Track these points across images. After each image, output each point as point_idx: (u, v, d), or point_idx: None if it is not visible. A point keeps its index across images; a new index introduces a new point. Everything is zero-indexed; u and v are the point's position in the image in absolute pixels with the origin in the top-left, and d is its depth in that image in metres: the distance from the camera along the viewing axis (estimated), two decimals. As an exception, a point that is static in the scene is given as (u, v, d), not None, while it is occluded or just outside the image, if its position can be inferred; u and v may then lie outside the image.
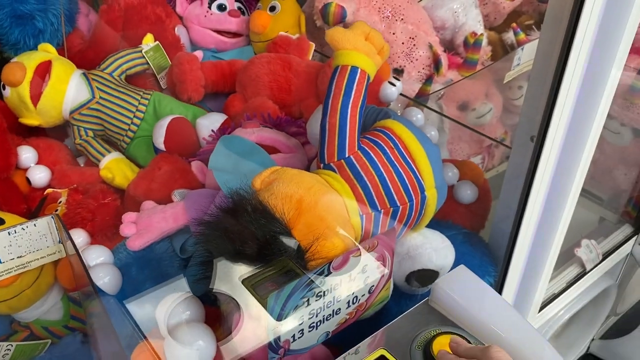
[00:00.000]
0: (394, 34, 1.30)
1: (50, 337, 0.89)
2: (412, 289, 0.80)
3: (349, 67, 0.72)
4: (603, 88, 0.80)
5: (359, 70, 0.72)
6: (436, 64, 1.32)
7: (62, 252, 0.82)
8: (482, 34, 1.36)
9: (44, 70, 0.99)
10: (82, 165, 1.07)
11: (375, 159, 0.71)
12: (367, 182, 0.70)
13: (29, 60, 0.98)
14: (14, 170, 0.97)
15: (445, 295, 0.70)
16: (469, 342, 0.64)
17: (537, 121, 0.78)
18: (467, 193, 0.96)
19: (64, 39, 1.10)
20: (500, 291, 0.95)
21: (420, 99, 1.24)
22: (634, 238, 1.33)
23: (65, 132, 1.10)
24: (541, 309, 1.12)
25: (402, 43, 1.30)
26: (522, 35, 1.41)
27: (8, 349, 0.84)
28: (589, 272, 1.23)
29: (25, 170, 0.98)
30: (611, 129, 1.30)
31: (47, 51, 1.03)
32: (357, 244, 0.66)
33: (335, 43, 0.72)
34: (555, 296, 1.17)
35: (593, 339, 1.54)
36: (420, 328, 0.68)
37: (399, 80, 1.06)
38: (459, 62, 1.38)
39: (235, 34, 1.28)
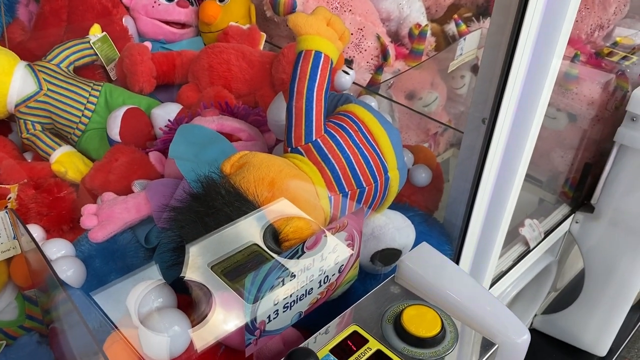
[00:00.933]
0: (342, 24, 1.32)
1: (4, 338, 0.86)
2: (376, 269, 0.82)
3: (313, 52, 0.73)
4: (546, 73, 0.85)
5: (323, 55, 0.73)
6: (384, 54, 1.35)
7: (17, 248, 0.79)
8: (426, 25, 1.40)
9: (-16, 62, 0.95)
10: (29, 160, 1.02)
11: (342, 142, 0.73)
12: (335, 165, 0.72)
13: (-31, 52, 0.94)
14: (-43, 166, 0.92)
15: (410, 271, 0.72)
16: (438, 315, 0.67)
17: (488, 104, 0.82)
18: (422, 176, 0.99)
19: (4, 30, 1.06)
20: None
21: (372, 88, 1.27)
22: (571, 217, 1.42)
23: (9, 126, 1.06)
24: (491, 285, 1.18)
25: (351, 34, 1.33)
26: (463, 27, 1.47)
27: (-40, 353, 0.80)
28: (532, 250, 1.30)
29: (-31, 166, 0.93)
30: (548, 114, 1.38)
31: (-13, 42, 0.99)
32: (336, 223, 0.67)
33: (298, 28, 0.73)
34: (503, 273, 1.23)
35: (536, 315, 1.63)
36: (388, 304, 0.71)
37: (351, 69, 1.09)
38: (405, 53, 1.42)
39: (184, 25, 1.26)
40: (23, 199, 0.86)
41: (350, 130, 0.75)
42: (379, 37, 1.35)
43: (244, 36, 1.18)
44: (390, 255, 0.80)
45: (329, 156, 0.73)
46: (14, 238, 0.78)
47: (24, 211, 0.85)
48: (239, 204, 0.64)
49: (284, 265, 0.61)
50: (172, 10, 1.23)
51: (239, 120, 0.91)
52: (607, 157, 1.34)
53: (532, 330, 1.66)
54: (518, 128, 0.89)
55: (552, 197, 1.46)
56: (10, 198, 0.89)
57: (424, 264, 0.73)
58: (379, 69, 1.29)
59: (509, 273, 1.25)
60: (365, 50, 1.34)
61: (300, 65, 0.73)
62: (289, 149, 0.74)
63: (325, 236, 0.64)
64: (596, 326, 1.53)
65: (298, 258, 0.62)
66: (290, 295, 0.64)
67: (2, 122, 1.03)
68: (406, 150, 1.01)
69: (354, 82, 1.13)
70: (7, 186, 0.92)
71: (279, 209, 0.68)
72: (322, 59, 0.73)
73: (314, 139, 0.73)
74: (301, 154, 0.73)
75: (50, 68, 1.00)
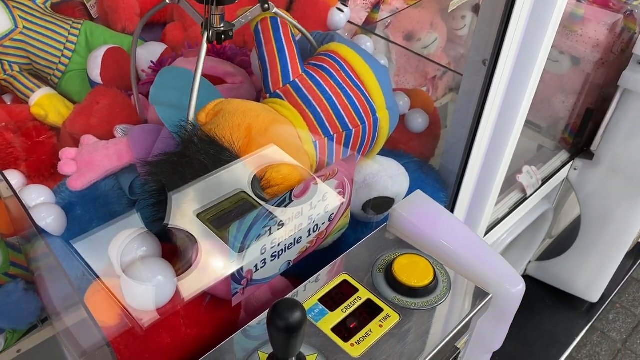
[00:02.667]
0: (338, -41, 1.25)
1: (-11, 285, 0.84)
2: (368, 217, 0.80)
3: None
4: (551, 12, 0.80)
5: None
6: (381, -8, 1.28)
7: (-4, 194, 0.76)
8: (426, -39, 1.33)
9: (-46, -3, 0.89)
10: (8, 103, 0.98)
11: (322, 82, 0.69)
12: (316, 106, 0.68)
13: (-63, -14, 0.88)
14: None
15: (403, 219, 0.70)
16: (430, 265, 0.65)
17: (489, 45, 0.78)
18: (419, 121, 0.95)
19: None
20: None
21: (368, 27, 1.21)
22: (570, 164, 1.39)
23: (-15, 68, 1.01)
24: (486, 233, 1.17)
25: (347, -31, 1.25)
26: (465, -37, 1.39)
27: (-56, 301, 0.79)
28: (529, 197, 1.28)
29: (-57, 110, 0.89)
30: (551, 57, 1.32)
31: (-44, -25, 0.92)
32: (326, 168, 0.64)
33: None
34: (499, 221, 1.21)
35: (530, 261, 1.63)
36: (379, 253, 0.69)
37: (346, 6, 1.03)
38: (403, -9, 1.35)
39: (169, -41, 1.18)
40: (1, 144, 0.82)
41: (331, 70, 0.71)
42: (376, -26, 1.27)
43: (232, -29, 1.11)
44: (382, 204, 0.77)
45: (309, 97, 0.69)
46: (-8, 184, 0.75)
47: (2, 156, 0.81)
48: (215, 152, 0.60)
49: (271, 214, 0.58)
50: (156, -57, 1.15)
51: (225, 62, 0.86)
52: (610, 102, 1.30)
53: (526, 277, 1.67)
54: (520, 70, 0.85)
55: (552, 143, 1.43)
56: (-12, 143, 0.86)
57: (417, 212, 0.71)
58: (375, 7, 1.23)
59: (504, 220, 1.23)
60: (362, -13, 1.27)
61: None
62: (267, 95, 0.70)
63: (315, 184, 0.61)
64: (590, 272, 1.53)
65: (286, 206, 0.59)
66: (278, 244, 0.62)
67: (-22, 62, 0.98)
68: (402, 94, 0.97)
69: (348, 21, 1.08)
70: (-16, 130, 0.88)
71: (267, 155, 0.64)
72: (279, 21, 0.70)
73: (292, 79, 0.69)
74: (280, 97, 0.69)
75: (26, 4, 0.94)
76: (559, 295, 1.61)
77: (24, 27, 0.92)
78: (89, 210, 0.71)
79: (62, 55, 0.95)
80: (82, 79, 0.95)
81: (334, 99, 0.69)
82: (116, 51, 0.89)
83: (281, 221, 0.59)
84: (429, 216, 0.71)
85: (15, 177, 0.79)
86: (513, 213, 1.25)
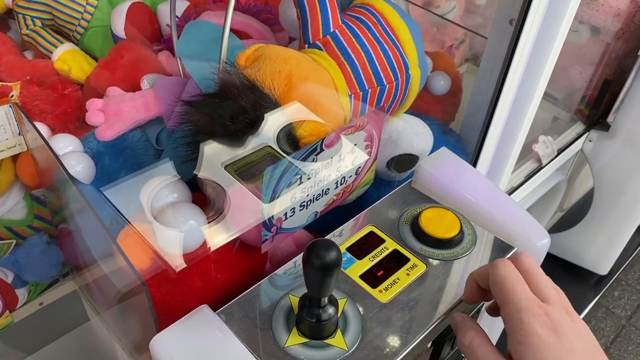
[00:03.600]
0: None
1: (14, 237, 0.85)
2: (391, 176, 0.80)
3: None
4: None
5: None
6: (402, -43, 1.27)
7: (23, 145, 0.77)
8: None
9: (-22, -51, 0.89)
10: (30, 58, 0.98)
11: (361, 35, 0.69)
12: (354, 59, 0.68)
13: (-40, -63, 0.87)
14: (-45, 63, 0.88)
15: (428, 175, 0.70)
16: (457, 218, 0.65)
17: (517, 3, 0.77)
18: (441, 84, 0.95)
19: None
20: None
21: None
22: (585, 135, 1.39)
23: (7, 24, 1.00)
24: (502, 200, 1.17)
25: None
26: None
27: (-29, 250, 0.80)
28: (544, 166, 1.28)
29: (-33, 63, 0.89)
30: (570, 27, 1.32)
31: None
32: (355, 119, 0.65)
33: None
34: (514, 189, 1.22)
35: (540, 234, 1.64)
36: (405, 207, 0.69)
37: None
38: (423, -43, 1.34)
39: None
40: (26, 96, 0.83)
41: (369, 23, 0.71)
42: (396, -62, 1.26)
43: None
44: (407, 161, 0.78)
45: (348, 50, 0.69)
46: (19, 134, 0.75)
47: (27, 109, 0.82)
48: (255, 96, 0.61)
49: (302, 162, 0.59)
50: None
51: (250, 17, 0.86)
52: (628, 73, 1.29)
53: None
54: (546, 32, 0.84)
55: (567, 114, 1.43)
56: (12, 96, 0.86)
57: (443, 168, 0.71)
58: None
59: (519, 189, 1.24)
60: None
61: None
62: (306, 45, 0.70)
63: (346, 134, 0.62)
64: (601, 245, 1.54)
65: (316, 155, 0.59)
66: (307, 194, 0.62)
67: (1, 18, 0.98)
68: (425, 55, 0.97)
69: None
70: (9, 84, 0.88)
71: (294, 110, 0.65)
72: None
73: (331, 30, 0.69)
74: (320, 48, 0.69)
75: (49, -42, 0.94)
76: (568, 267, 1.62)
77: (47, -19, 0.92)
78: (117, 160, 0.71)
79: (85, 11, 0.94)
80: (104, 36, 0.95)
81: (372, 53, 0.69)
82: (140, 6, 0.89)
83: (311, 170, 0.60)
84: (454, 172, 0.71)
85: (41, 129, 0.79)
86: (528, 182, 1.25)
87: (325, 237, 0.54)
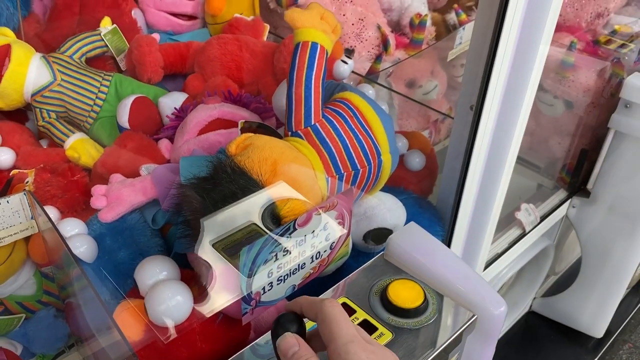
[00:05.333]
0: (344, 15, 1.37)
1: (24, 311, 0.92)
2: (369, 247, 0.87)
3: (310, 43, 0.78)
4: (533, 61, 0.89)
5: (319, 46, 0.79)
6: (385, 43, 1.39)
7: (35, 227, 0.85)
8: (426, 15, 1.44)
9: (3, 54, 1.01)
10: (44, 147, 1.09)
11: (338, 126, 0.78)
12: (332, 148, 0.77)
13: (-13, 44, 1.00)
14: (-22, 153, 0.98)
15: (398, 248, 0.77)
16: (421, 289, 0.72)
17: (475, 91, 0.87)
18: (416, 161, 1.04)
19: (20, 23, 1.11)
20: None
21: (371, 77, 1.31)
22: (568, 201, 1.46)
23: (26, 115, 1.12)
24: (486, 267, 1.23)
25: (352, 24, 1.37)
26: (463, 16, 1.50)
27: (-17, 324, 0.87)
28: (528, 233, 1.34)
29: (-11, 153, 0.99)
30: (545, 101, 1.42)
31: (5, 35, 1.04)
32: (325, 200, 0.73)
33: (294, 22, 0.78)
34: (498, 255, 1.28)
35: (535, 298, 1.67)
36: (376, 279, 0.76)
37: (350, 58, 1.13)
38: (405, 42, 1.46)
39: (190, 17, 1.31)
40: (39, 183, 0.92)
41: (346, 116, 0.80)
42: (379, 27, 1.39)
43: (248, 27, 1.23)
44: (381, 235, 0.85)
45: (327, 140, 0.78)
46: (32, 218, 0.84)
47: (40, 194, 0.91)
48: (244, 182, 0.69)
49: (277, 241, 0.66)
50: (179, 3, 1.28)
51: (241, 107, 0.96)
52: (603, 143, 1.37)
53: (531, 313, 1.70)
54: (506, 115, 0.93)
55: (550, 182, 1.50)
56: (27, 182, 0.96)
57: (411, 241, 0.78)
58: (378, 58, 1.33)
59: (504, 255, 1.29)
60: (366, 40, 1.38)
61: (298, 55, 0.78)
62: (290, 132, 0.79)
63: (317, 214, 0.69)
64: (593, 309, 1.57)
65: (290, 234, 0.67)
66: (284, 269, 0.69)
67: (20, 110, 1.09)
68: (401, 136, 1.06)
69: (353, 71, 1.18)
70: (25, 171, 0.98)
71: (278, 190, 0.73)
72: (318, 49, 0.78)
73: (312, 123, 0.78)
74: (301, 137, 0.78)
75: (64, 59, 1.06)
76: (565, 331, 1.64)
77: (62, 79, 1.04)
78: (117, 240, 0.79)
79: (94, 104, 1.05)
80: (111, 125, 1.05)
81: (347, 142, 0.79)
82: (142, 100, 1.00)
83: (286, 248, 0.67)
84: (421, 245, 0.78)
85: (51, 212, 0.88)
86: (513, 248, 1.31)
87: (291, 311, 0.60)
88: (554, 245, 1.51)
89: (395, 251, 0.78)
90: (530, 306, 1.69)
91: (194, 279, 0.74)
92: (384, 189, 0.90)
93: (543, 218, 1.38)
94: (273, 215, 0.71)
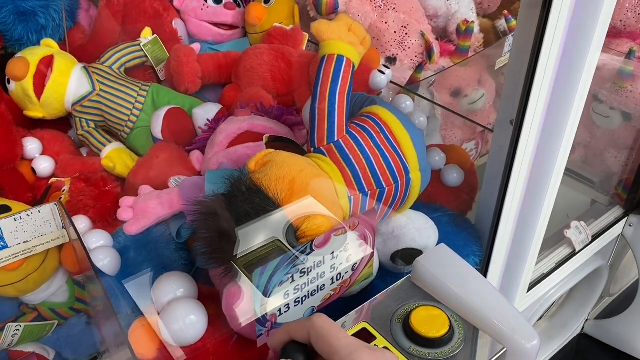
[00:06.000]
0: (386, 22, 1.33)
1: (57, 318, 0.94)
2: (397, 268, 0.84)
3: (335, 56, 0.76)
4: (581, 70, 0.82)
5: (345, 59, 0.76)
6: (428, 51, 1.35)
7: (66, 237, 0.87)
8: (473, 22, 1.38)
9: (46, 65, 1.04)
10: (84, 155, 1.11)
11: (363, 143, 0.75)
12: (355, 165, 0.74)
13: (32, 55, 1.03)
14: (20, 160, 1.01)
15: (425, 271, 0.73)
16: (447, 317, 0.67)
17: (515, 105, 0.81)
18: (454, 176, 0.99)
19: (66, 34, 1.14)
20: (485, 271, 0.99)
21: (410, 87, 1.27)
22: (624, 220, 1.36)
23: (68, 123, 1.14)
24: (530, 288, 1.16)
25: (395, 32, 1.33)
26: (513, 22, 1.44)
27: (17, 330, 0.89)
28: (578, 252, 1.26)
29: (31, 160, 1.02)
30: (601, 112, 1.33)
31: (49, 46, 1.07)
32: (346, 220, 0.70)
33: (320, 34, 0.76)
34: (544, 276, 1.20)
35: (587, 319, 1.58)
36: (400, 303, 0.72)
37: (388, 68, 1.09)
38: (451, 50, 1.41)
39: (231, 26, 1.31)
40: (74, 192, 0.94)
41: (372, 132, 0.77)
42: (423, 35, 1.34)
43: (287, 37, 1.21)
44: (410, 255, 0.81)
45: (350, 156, 0.75)
46: (63, 228, 0.85)
47: (74, 202, 0.93)
48: (259, 201, 0.67)
49: (293, 262, 0.64)
50: (220, 13, 1.28)
51: (271, 120, 0.94)
52: (664, 158, 1.27)
53: (583, 335, 1.61)
54: (549, 130, 0.87)
55: (605, 198, 1.40)
56: (64, 190, 0.98)
57: (439, 264, 0.74)
58: (418, 67, 1.29)
59: (551, 276, 1.22)
60: (409, 48, 1.34)
61: (323, 68, 0.76)
62: (312, 149, 0.77)
63: (336, 235, 0.67)
64: (651, 334, 1.46)
65: (307, 255, 0.64)
66: (301, 290, 0.67)
67: (62, 119, 1.12)
68: (438, 150, 1.01)
69: (391, 82, 1.14)
70: (62, 179, 1.01)
71: (303, 206, 0.71)
72: (344, 62, 0.75)
73: (335, 139, 0.75)
74: (323, 154, 0.76)
75: (103, 70, 1.08)
76: (619, 356, 1.54)
77: (100, 89, 1.06)
78: (141, 254, 0.79)
79: (132, 113, 1.07)
80: (147, 135, 1.06)
81: (372, 159, 0.76)
82: (176, 111, 1.00)
83: (303, 269, 0.65)
84: (450, 269, 0.73)
85: (83, 222, 0.90)
86: (561, 269, 1.23)
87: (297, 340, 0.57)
88: (608, 265, 1.42)
89: (422, 274, 0.74)
90: (582, 328, 1.59)
91: (214, 296, 0.73)
92: (417, 206, 0.86)
93: (596, 237, 1.29)
94: (296, 232, 0.69)
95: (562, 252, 1.25)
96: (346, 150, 0.74)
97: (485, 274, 1.00)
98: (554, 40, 0.77)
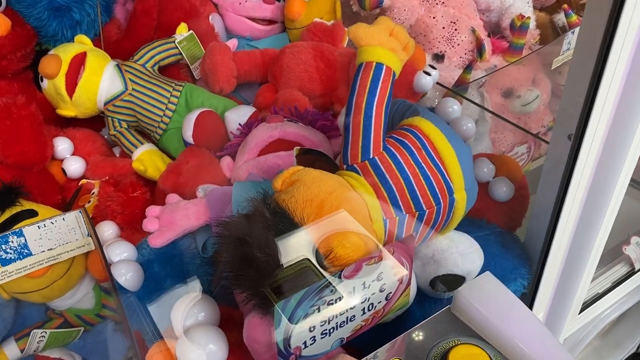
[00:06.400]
0: (434, 17, 1.25)
1: (83, 324, 0.92)
2: (437, 293, 0.77)
3: (374, 64, 0.69)
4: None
5: (384, 67, 0.69)
6: (479, 49, 1.26)
7: (91, 244, 0.84)
8: (528, 18, 1.28)
9: (78, 62, 1.01)
10: (117, 155, 1.08)
11: (401, 160, 0.68)
12: (392, 185, 0.67)
13: (65, 53, 1.00)
14: (51, 160, 0.99)
15: (467, 304, 0.67)
16: (488, 356, 0.61)
17: (574, 119, 0.73)
18: (503, 190, 0.91)
19: (101, 30, 1.12)
20: (534, 294, 0.91)
21: (458, 88, 1.19)
22: (692, 236, 1.24)
23: (102, 121, 1.12)
24: (583, 309, 1.07)
25: (443, 27, 1.25)
26: (574, 18, 1.32)
27: (42, 336, 0.87)
28: (638, 271, 1.16)
29: (62, 161, 1.00)
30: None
31: (82, 43, 1.05)
32: (380, 247, 0.64)
33: (358, 40, 0.69)
34: (599, 296, 1.11)
35: (644, 339, 1.47)
36: (440, 337, 0.66)
37: (435, 69, 1.02)
38: (504, 47, 1.31)
39: (270, 21, 1.26)
40: (102, 196, 0.91)
41: (412, 148, 0.70)
42: (474, 31, 1.25)
43: (327, 33, 1.15)
44: (452, 281, 0.75)
45: (387, 176, 0.68)
46: (88, 235, 0.83)
47: (102, 207, 0.90)
48: (284, 227, 0.62)
49: (319, 293, 0.58)
50: (259, 7, 1.23)
51: (305, 126, 0.89)
52: None
53: (637, 355, 1.50)
54: (614, 143, 0.78)
55: (670, 211, 1.29)
56: (93, 193, 0.95)
57: (483, 296, 0.67)
58: (467, 68, 1.20)
59: (607, 295, 1.12)
60: (458, 44, 1.25)
61: (360, 77, 0.69)
62: (345, 166, 0.71)
63: (368, 264, 0.61)
64: None
65: (335, 286, 0.59)
66: (329, 322, 0.61)
67: (96, 117, 1.09)
68: (486, 160, 0.93)
69: (437, 83, 1.07)
70: (92, 181, 0.98)
71: (335, 222, 0.65)
72: (383, 70, 0.69)
73: (371, 156, 0.69)
74: (357, 172, 0.69)
75: (136, 68, 1.05)
76: (679, 381, 1.43)
77: (133, 89, 1.02)
78: (164, 268, 0.76)
79: (164, 114, 1.03)
80: (180, 137, 1.02)
81: (411, 178, 0.68)
82: (207, 115, 0.96)
83: (331, 300, 0.59)
84: (495, 302, 0.67)
85: (110, 228, 0.87)
86: (618, 288, 1.13)
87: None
88: (672, 284, 1.30)
89: (463, 306, 0.67)
90: (638, 347, 1.48)
91: (236, 320, 0.68)
92: (461, 222, 0.79)
93: (659, 254, 1.19)
94: (327, 251, 0.63)
95: (620, 270, 1.15)
96: (382, 168, 0.68)
97: (533, 297, 0.92)
98: (626, 39, 0.68)
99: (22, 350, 0.88)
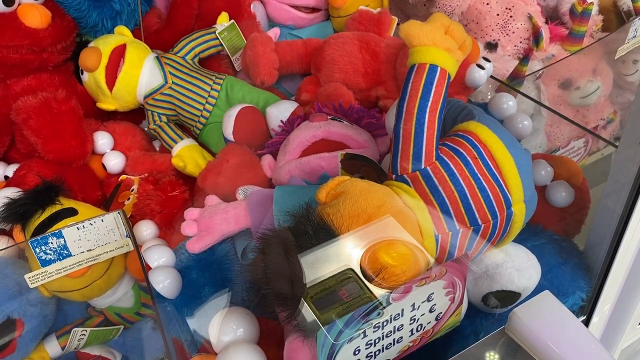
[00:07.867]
0: (487, 4, 1.17)
1: (123, 322, 0.91)
2: (489, 308, 0.72)
3: (427, 66, 0.63)
4: None
5: (439, 69, 0.63)
6: (536, 37, 1.18)
7: (130, 245, 0.82)
8: (591, 3, 1.19)
9: (118, 55, 0.99)
10: (157, 148, 1.07)
11: (456, 172, 0.63)
12: (445, 198, 0.62)
13: (104, 45, 0.98)
14: (91, 155, 0.98)
15: (523, 326, 0.62)
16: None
17: (649, 126, 0.66)
18: (562, 195, 0.85)
19: (141, 20, 1.09)
20: (593, 307, 0.85)
21: (514, 82, 1.11)
22: None
23: (142, 113, 1.10)
24: (644, 320, 1.01)
25: (497, 14, 1.17)
26: (641, 2, 1.22)
27: (83, 335, 0.87)
28: None
29: (102, 155, 0.99)
30: None
31: (122, 34, 1.03)
32: (435, 265, 0.60)
33: (410, 39, 0.63)
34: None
35: None
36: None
37: (489, 61, 0.95)
38: (562, 34, 1.23)
39: (313, 9, 1.21)
40: (141, 194, 0.90)
41: (467, 157, 0.64)
42: (530, 18, 1.17)
43: (372, 21, 1.09)
44: (506, 298, 0.70)
45: (439, 188, 0.63)
46: (127, 236, 0.81)
47: (141, 206, 0.88)
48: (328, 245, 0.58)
49: (364, 318, 0.54)
50: (302, -6, 1.18)
51: (349, 124, 0.84)
52: None
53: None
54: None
55: None
56: (133, 190, 0.94)
57: (541, 318, 0.62)
58: (524, 60, 1.13)
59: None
60: (513, 32, 1.18)
61: (411, 81, 0.64)
62: (394, 175, 0.66)
63: (418, 285, 0.56)
64: None
65: (382, 309, 0.55)
66: (375, 345, 0.58)
67: (137, 110, 1.07)
68: (544, 162, 0.87)
69: (491, 76, 1.00)
70: (132, 177, 0.97)
71: (383, 228, 0.61)
72: (437, 73, 0.63)
73: (422, 166, 0.64)
74: (407, 183, 0.64)
75: (176, 61, 1.02)
76: None
77: (173, 82, 1.00)
78: (203, 275, 0.73)
79: (204, 108, 1.00)
80: (220, 131, 0.99)
81: (466, 191, 0.63)
82: (249, 111, 0.92)
83: (377, 324, 0.56)
84: (553, 324, 0.61)
85: (149, 227, 0.85)
86: (683, 297, 1.06)
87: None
88: None
89: (519, 328, 0.62)
90: (699, 355, 1.40)
91: (276, 334, 0.66)
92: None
93: None
94: (374, 262, 0.59)
95: (685, 278, 1.07)
96: (435, 180, 0.62)
97: (592, 310, 0.86)
98: None
99: (63, 348, 0.88)
